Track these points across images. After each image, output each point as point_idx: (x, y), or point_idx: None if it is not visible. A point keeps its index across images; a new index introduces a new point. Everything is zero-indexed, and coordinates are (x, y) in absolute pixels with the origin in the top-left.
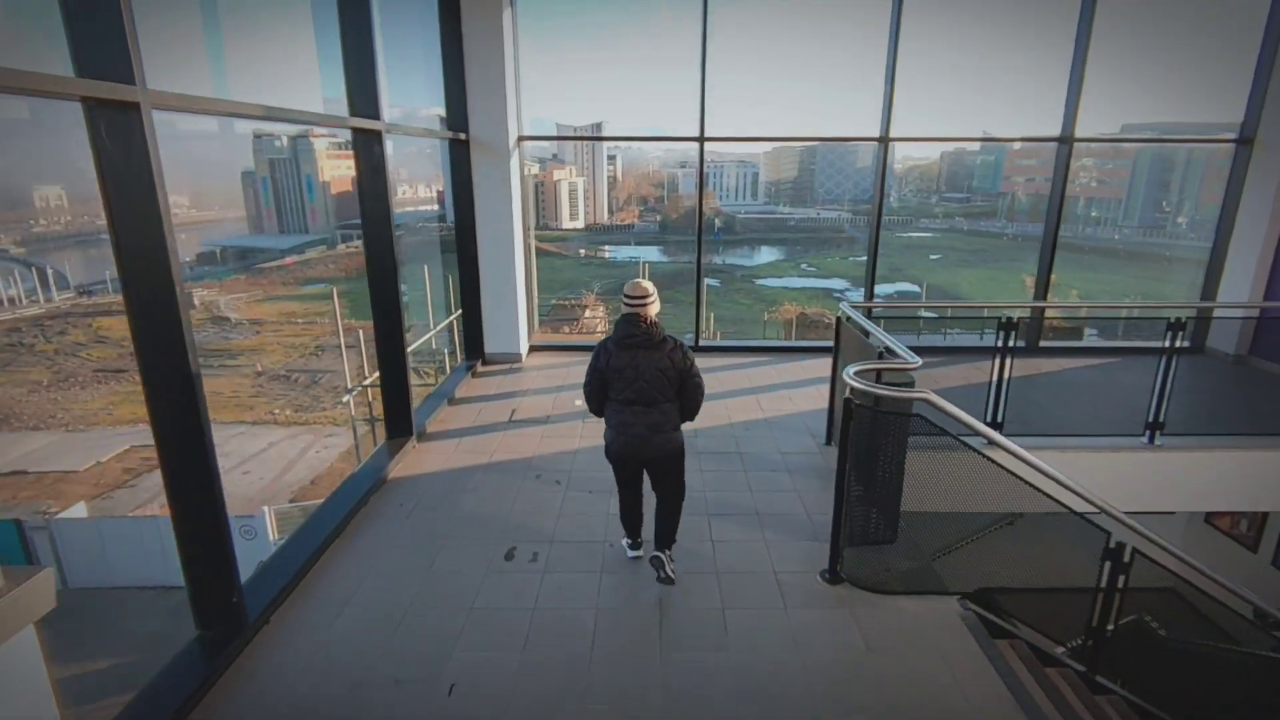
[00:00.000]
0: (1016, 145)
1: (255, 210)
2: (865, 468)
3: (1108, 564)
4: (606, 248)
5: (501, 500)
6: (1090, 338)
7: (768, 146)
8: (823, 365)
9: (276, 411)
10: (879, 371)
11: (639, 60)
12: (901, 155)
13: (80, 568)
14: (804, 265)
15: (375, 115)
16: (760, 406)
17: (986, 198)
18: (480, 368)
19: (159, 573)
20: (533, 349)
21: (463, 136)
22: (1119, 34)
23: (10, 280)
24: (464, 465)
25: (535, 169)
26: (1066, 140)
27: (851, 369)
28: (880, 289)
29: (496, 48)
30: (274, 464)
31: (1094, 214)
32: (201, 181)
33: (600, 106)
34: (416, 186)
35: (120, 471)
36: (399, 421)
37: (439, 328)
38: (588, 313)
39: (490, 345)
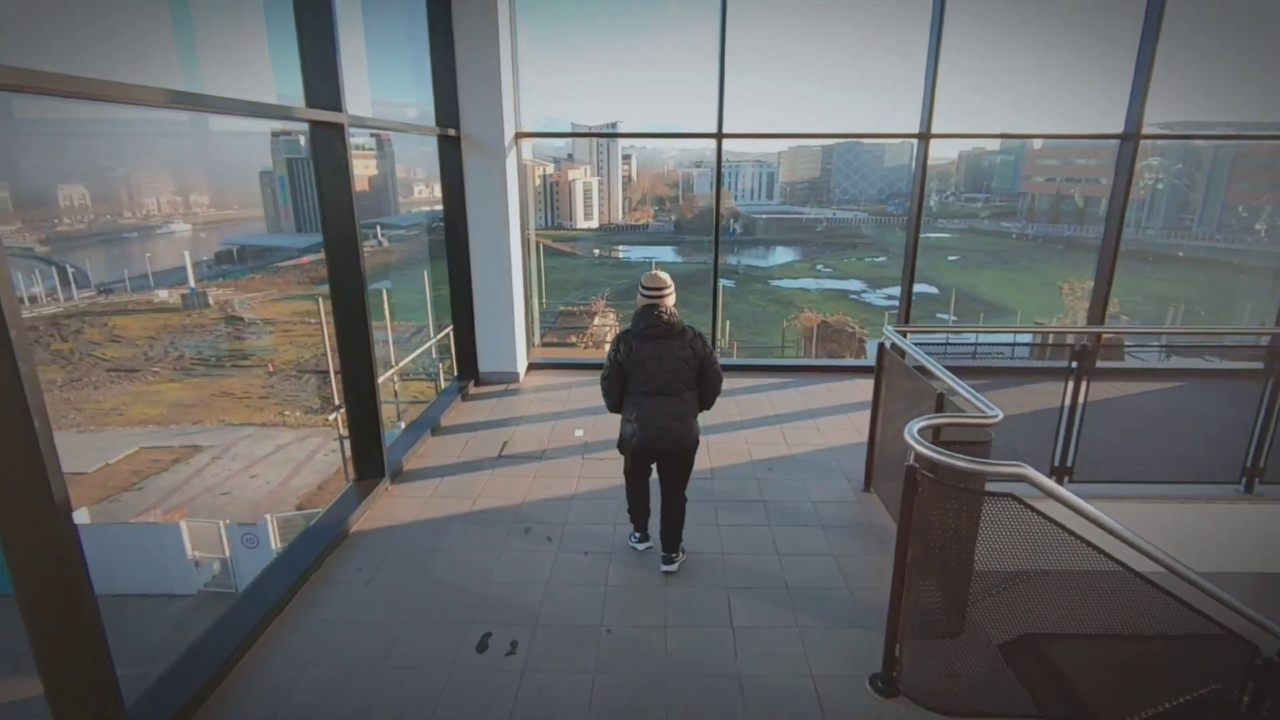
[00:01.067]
0: (1038, 144)
1: (273, 209)
2: (927, 546)
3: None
4: (620, 248)
5: (481, 563)
6: (1133, 355)
7: (784, 146)
8: (853, 389)
9: (286, 413)
10: (938, 428)
11: (656, 60)
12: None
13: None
14: (820, 266)
15: (337, 106)
16: (785, 439)
17: (1005, 198)
18: (472, 389)
19: (160, 580)
20: (532, 367)
21: (452, 132)
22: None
23: (32, 278)
24: (441, 514)
25: (550, 169)
26: (1131, 137)
27: (915, 426)
28: (897, 289)
29: (490, 34)
30: (281, 468)
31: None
32: (220, 181)
33: (616, 105)
34: (433, 186)
35: (128, 474)
36: (369, 460)
37: (428, 344)
38: (596, 320)
39: (484, 364)
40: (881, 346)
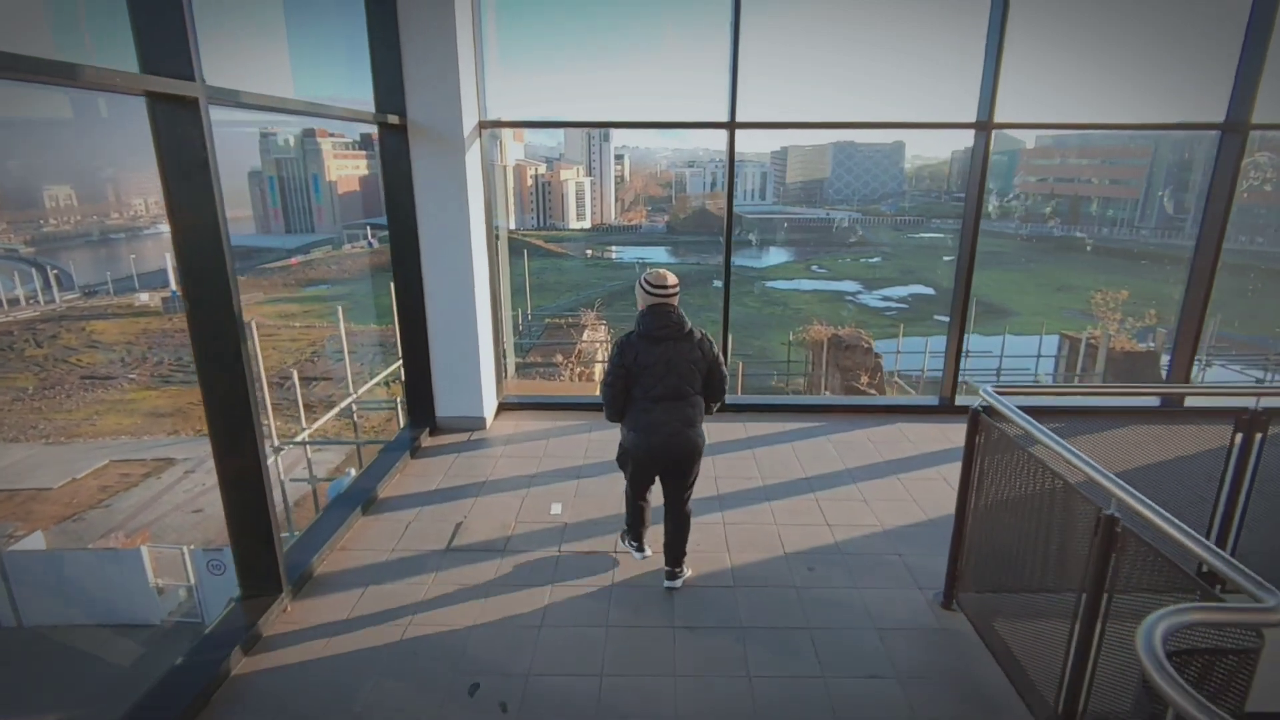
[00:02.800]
0: (1031, 144)
1: (262, 209)
2: None
3: None
4: (613, 248)
5: None
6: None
7: (776, 146)
8: (897, 438)
9: (265, 423)
10: (1181, 625)
11: (659, 61)
12: (911, 155)
13: (36, 604)
14: (814, 267)
15: (187, 74)
16: (824, 516)
17: (1001, 198)
18: (426, 441)
19: (122, 609)
20: (503, 408)
21: (395, 120)
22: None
23: (13, 280)
24: (356, 649)
25: (542, 168)
26: (1237, 128)
27: (1158, 632)
28: (893, 291)
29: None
30: None
31: (1109, 213)
32: None
33: (617, 106)
34: None
35: (96, 490)
36: (258, 572)
37: (373, 382)
38: (586, 334)
39: (442, 407)
40: (976, 414)
